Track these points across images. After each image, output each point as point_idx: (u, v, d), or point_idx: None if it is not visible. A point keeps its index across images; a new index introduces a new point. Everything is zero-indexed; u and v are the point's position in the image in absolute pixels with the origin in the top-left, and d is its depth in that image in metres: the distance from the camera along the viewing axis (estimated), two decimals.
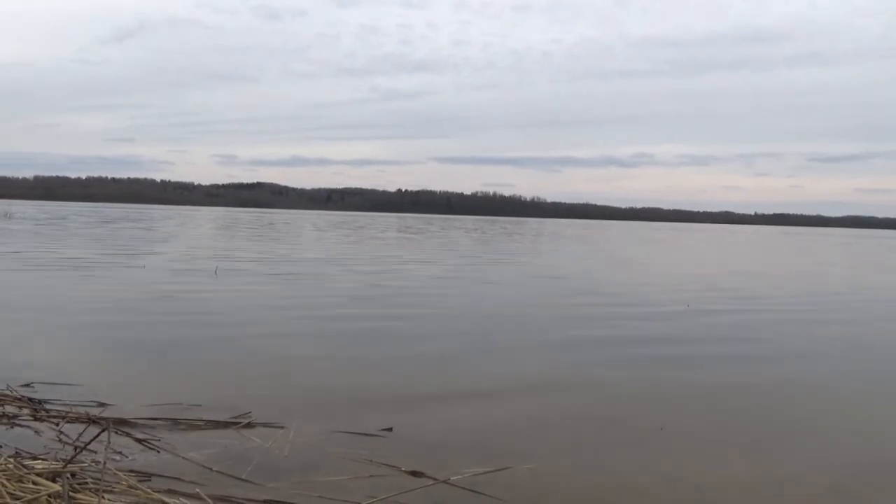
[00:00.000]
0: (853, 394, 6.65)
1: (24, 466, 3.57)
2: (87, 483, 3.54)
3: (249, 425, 4.93)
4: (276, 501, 3.67)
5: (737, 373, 7.28)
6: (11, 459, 3.66)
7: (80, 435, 4.51)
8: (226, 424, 4.92)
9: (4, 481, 3.35)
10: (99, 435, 4.23)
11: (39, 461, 3.78)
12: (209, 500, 3.57)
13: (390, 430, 4.93)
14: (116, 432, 4.58)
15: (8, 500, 3.22)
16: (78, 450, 3.94)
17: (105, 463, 3.80)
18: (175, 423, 4.88)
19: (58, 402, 5.26)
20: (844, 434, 5.35)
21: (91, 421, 4.77)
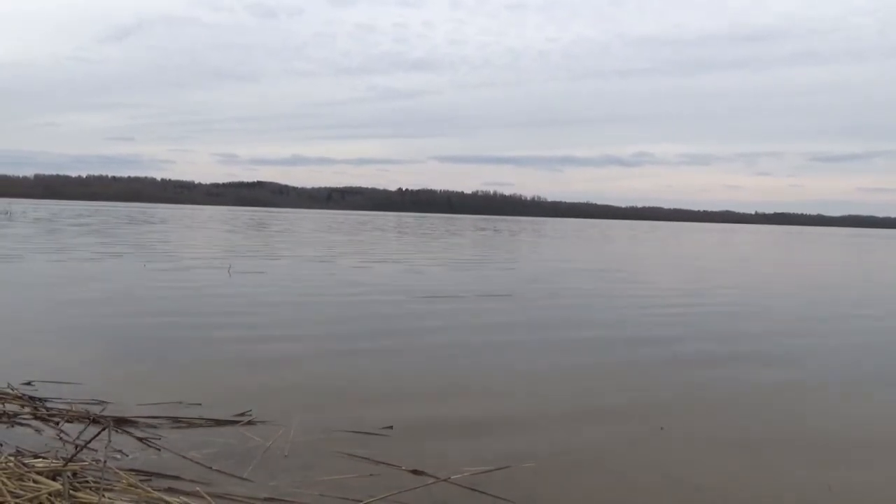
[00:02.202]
0: (857, 395, 6.64)
1: (25, 465, 3.57)
2: (87, 481, 3.54)
3: (250, 424, 4.93)
4: (277, 500, 3.67)
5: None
6: (12, 458, 3.66)
7: (81, 433, 4.51)
8: (226, 423, 4.92)
9: (5, 479, 3.35)
10: (99, 433, 4.24)
11: (40, 459, 3.78)
12: (210, 499, 3.58)
13: (391, 428, 4.93)
14: (117, 431, 4.58)
15: (8, 498, 3.22)
16: (78, 448, 3.94)
17: (105, 461, 3.81)
18: (176, 422, 4.88)
19: (58, 400, 5.26)
20: (844, 435, 5.34)
21: (91, 419, 4.77)
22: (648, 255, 30.80)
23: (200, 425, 4.86)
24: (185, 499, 3.51)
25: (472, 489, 3.93)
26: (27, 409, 4.98)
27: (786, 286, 18.27)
